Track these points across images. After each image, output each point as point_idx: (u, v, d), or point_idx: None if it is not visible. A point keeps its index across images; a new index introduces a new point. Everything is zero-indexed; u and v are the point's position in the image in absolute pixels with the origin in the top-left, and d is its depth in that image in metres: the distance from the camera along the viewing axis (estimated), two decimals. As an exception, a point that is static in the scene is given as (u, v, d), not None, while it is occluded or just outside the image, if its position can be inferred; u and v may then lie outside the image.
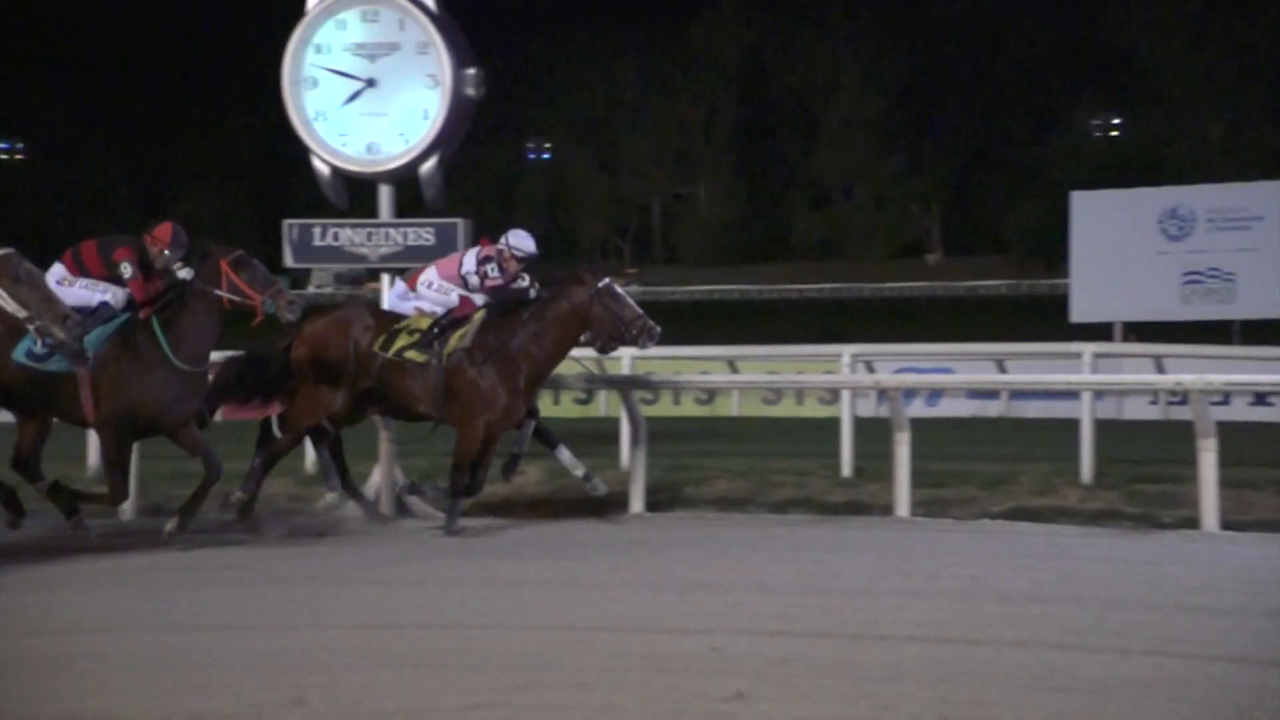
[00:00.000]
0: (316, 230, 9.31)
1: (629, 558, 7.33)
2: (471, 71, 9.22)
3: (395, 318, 8.45)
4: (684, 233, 51.35)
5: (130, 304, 7.72)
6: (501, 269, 8.32)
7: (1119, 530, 8.33)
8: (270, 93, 9.46)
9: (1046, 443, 11.01)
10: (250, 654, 5.17)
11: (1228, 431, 8.52)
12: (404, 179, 9.30)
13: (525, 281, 8.39)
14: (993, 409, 16.10)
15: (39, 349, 7.33)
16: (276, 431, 8.39)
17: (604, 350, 8.60)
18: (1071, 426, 9.91)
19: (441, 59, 9.10)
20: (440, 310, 8.32)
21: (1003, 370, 13.79)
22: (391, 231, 9.24)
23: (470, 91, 9.22)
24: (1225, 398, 13.36)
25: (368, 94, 9.18)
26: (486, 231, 8.72)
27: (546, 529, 8.46)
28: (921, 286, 45.14)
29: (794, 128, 48.97)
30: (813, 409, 15.74)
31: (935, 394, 15.44)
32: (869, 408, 13.01)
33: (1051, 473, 9.41)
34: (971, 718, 4.38)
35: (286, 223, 9.38)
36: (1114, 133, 44.17)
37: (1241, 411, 14.30)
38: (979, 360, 14.65)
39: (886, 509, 8.83)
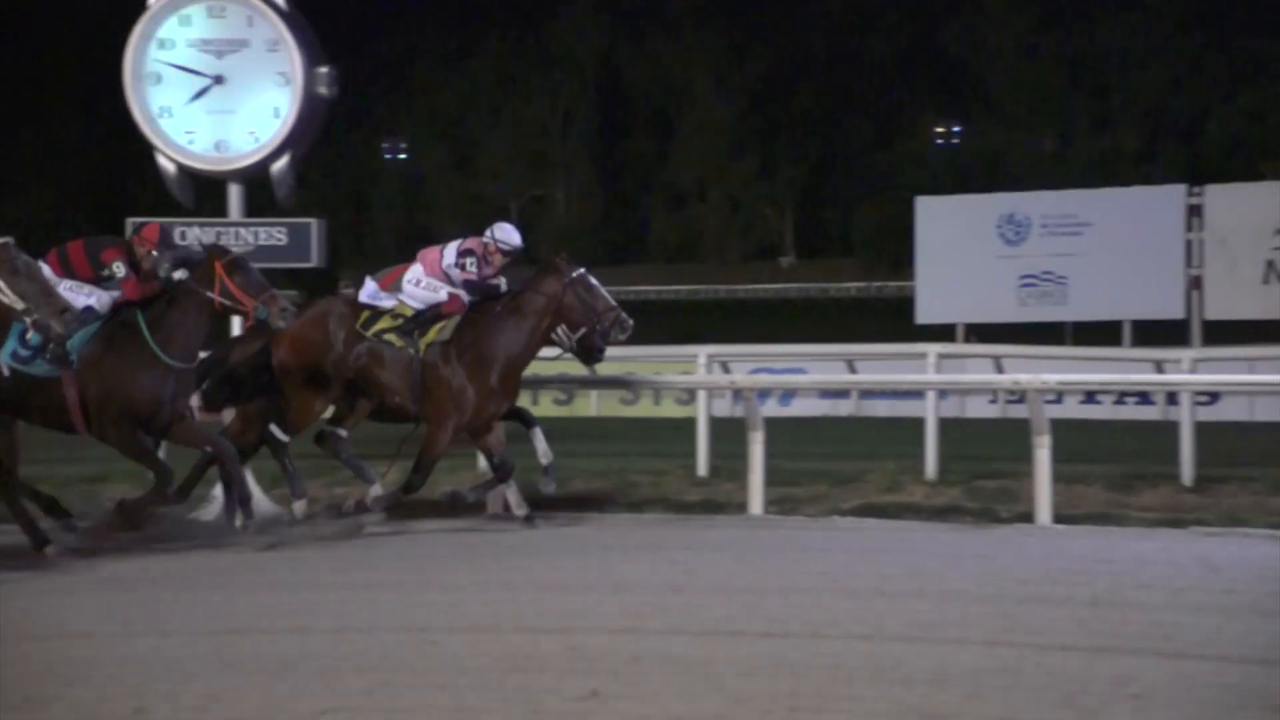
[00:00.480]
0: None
1: (485, 559, 7.29)
2: (324, 70, 9.07)
3: (373, 307, 8.31)
4: (542, 234, 51.31)
5: (116, 307, 7.41)
6: (486, 262, 8.23)
7: (960, 525, 8.59)
8: (108, 88, 9.16)
9: (894, 441, 11.28)
10: (86, 663, 5.00)
11: (1061, 429, 8.85)
12: (255, 178, 9.10)
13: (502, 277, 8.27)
14: (844, 408, 16.44)
15: (24, 350, 7.07)
16: (281, 436, 8.14)
17: (587, 359, 8.33)
18: (918, 425, 10.18)
19: (292, 57, 8.93)
20: (425, 305, 8.22)
21: (853, 370, 14.09)
22: (242, 231, 9.03)
23: (322, 90, 9.07)
24: (1059, 396, 13.89)
25: (216, 91, 8.96)
26: (339, 233, 8.58)
27: (402, 532, 8.35)
28: (775, 289, 45.89)
29: (650, 130, 49.30)
30: (670, 409, 15.86)
31: (788, 394, 15.68)
32: (725, 408, 13.15)
33: (898, 470, 9.64)
34: (819, 709, 4.46)
35: (131, 222, 9.09)
36: (955, 140, 45.54)
37: (1074, 409, 14.88)
38: (830, 360, 14.93)
39: (741, 507, 8.94)
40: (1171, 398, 12.90)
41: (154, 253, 7.51)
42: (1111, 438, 12.23)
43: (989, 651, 5.11)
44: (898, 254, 35.67)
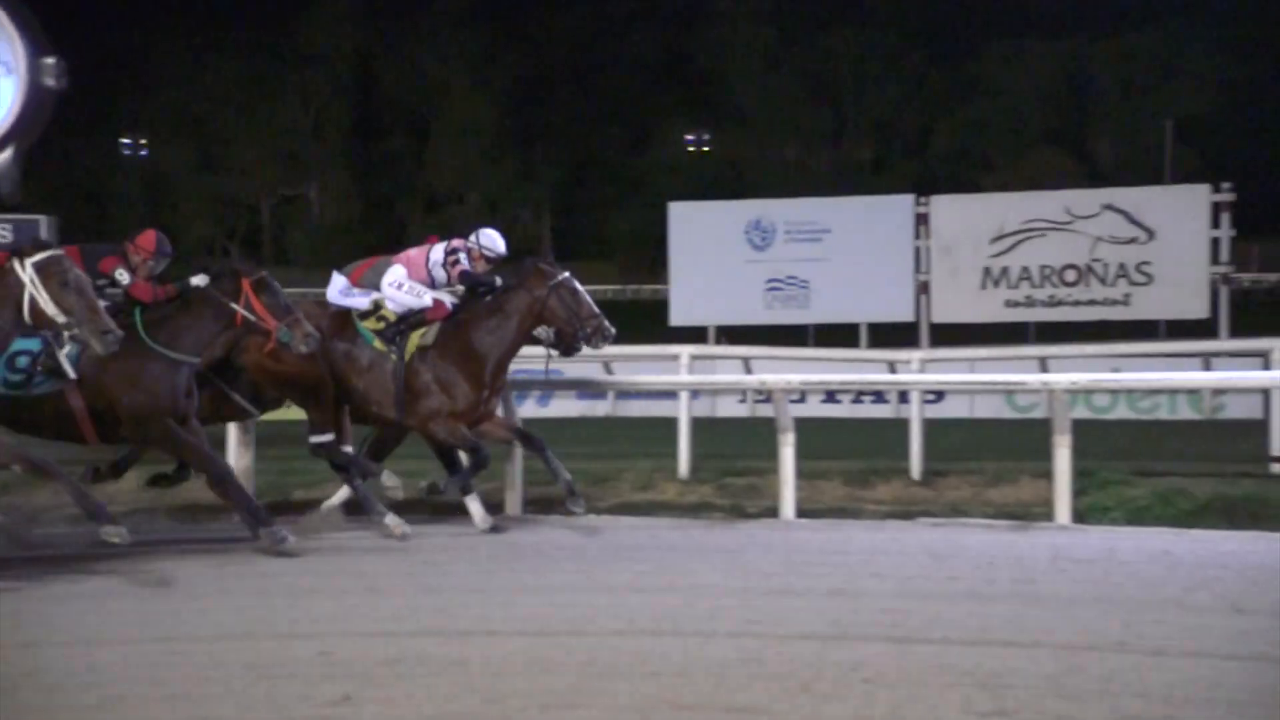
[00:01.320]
0: (-124, 227, 8.45)
1: (235, 563, 7.08)
2: (50, 60, 8.59)
3: (347, 311, 8.07)
4: (295, 234, 49.90)
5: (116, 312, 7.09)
6: (470, 264, 8.15)
7: (711, 521, 8.86)
8: None
9: (649, 440, 11.53)
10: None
11: (804, 427, 9.24)
12: (-25, 172, 8.55)
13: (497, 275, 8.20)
14: (600, 408, 16.66)
15: (14, 375, 6.91)
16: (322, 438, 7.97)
17: (567, 352, 8.27)
18: (671, 425, 10.44)
19: (15, 46, 8.41)
20: (406, 310, 8.02)
21: (609, 371, 14.30)
22: (-35, 228, 8.49)
23: (50, 81, 8.55)
24: (802, 395, 14.48)
25: (-70, 81, 8.37)
26: (75, 231, 8.20)
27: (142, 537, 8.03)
28: (535, 291, 45.73)
29: (406, 131, 48.64)
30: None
31: (546, 394, 15.79)
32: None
33: (653, 469, 9.88)
34: (572, 705, 4.55)
35: None
36: (705, 148, 46.73)
37: (816, 408, 15.54)
38: (588, 361, 15.08)
39: (499, 507, 8.96)
40: (903, 396, 13.55)
41: (149, 261, 7.44)
42: (850, 435, 12.82)
43: (735, 643, 5.30)
44: (652, 257, 36.34)
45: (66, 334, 6.47)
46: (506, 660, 5.07)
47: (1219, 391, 15.71)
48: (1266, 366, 10.80)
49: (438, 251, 8.22)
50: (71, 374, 6.95)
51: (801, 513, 8.82)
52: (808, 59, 44.18)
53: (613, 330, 8.14)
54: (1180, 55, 41.26)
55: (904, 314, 18.17)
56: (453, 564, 7.09)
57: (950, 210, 18.34)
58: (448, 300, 8.21)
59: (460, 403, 8.03)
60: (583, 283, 8.36)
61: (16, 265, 6.36)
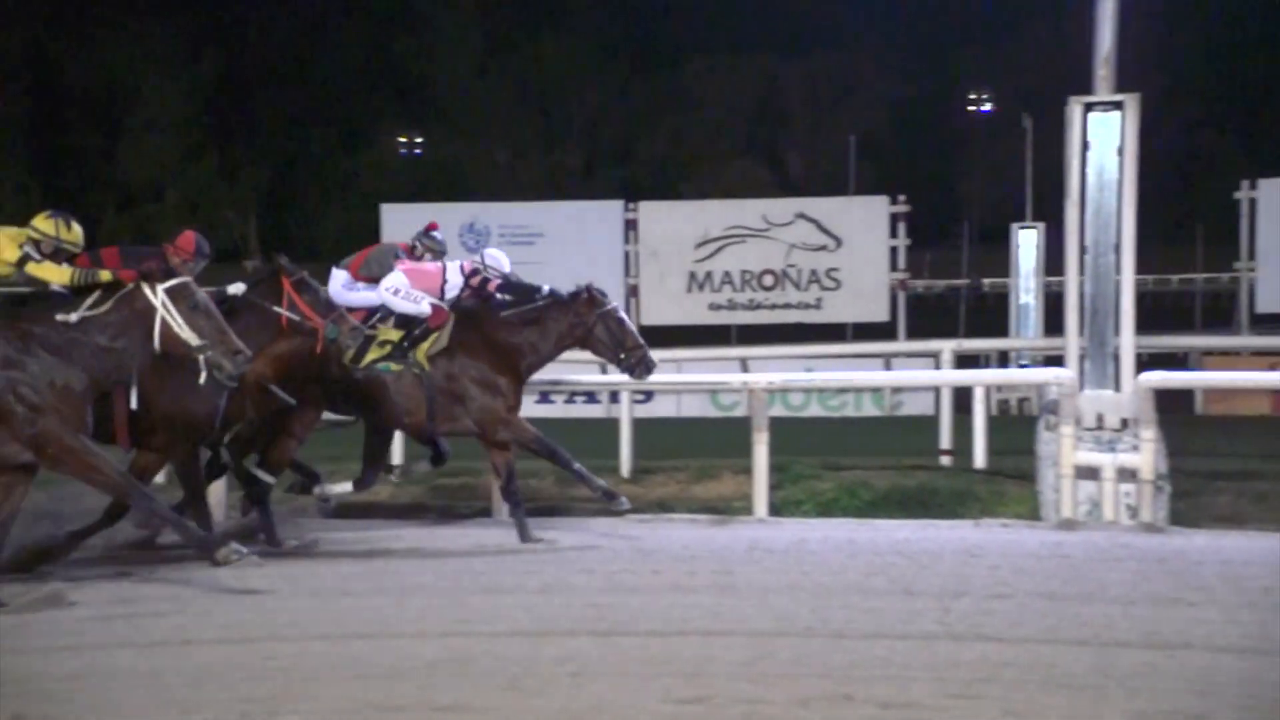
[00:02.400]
0: None
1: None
2: None
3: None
4: (-24, 230, 46.10)
5: None
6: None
7: (424, 522, 8.76)
8: None
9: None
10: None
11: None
12: None
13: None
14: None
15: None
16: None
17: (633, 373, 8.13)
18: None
19: None
20: (403, 314, 7.86)
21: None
22: None
23: None
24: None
25: None
26: None
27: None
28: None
29: (93, 126, 45.77)
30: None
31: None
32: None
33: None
34: (273, 712, 4.40)
35: None
36: (418, 150, 46.17)
37: (531, 408, 15.53)
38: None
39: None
40: (614, 396, 13.78)
41: (189, 263, 7.20)
42: (564, 434, 12.90)
43: (443, 642, 5.27)
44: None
45: (201, 356, 6.29)
46: (203, 670, 4.86)
47: (897, 390, 16.78)
48: (937, 366, 11.60)
49: (455, 274, 8.22)
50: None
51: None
52: (515, 65, 44.33)
53: (655, 363, 8.19)
54: (860, 76, 43.87)
55: (613, 316, 18.48)
56: (150, 573, 6.73)
57: (657, 216, 18.76)
58: (445, 306, 8.08)
59: (511, 397, 7.95)
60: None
61: (146, 290, 6.30)
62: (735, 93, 44.24)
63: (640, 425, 10.60)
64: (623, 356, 8.08)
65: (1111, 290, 8.43)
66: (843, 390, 16.89)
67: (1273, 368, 15.22)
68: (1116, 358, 8.46)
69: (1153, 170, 9.92)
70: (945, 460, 10.21)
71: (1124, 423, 8.37)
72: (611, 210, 18.93)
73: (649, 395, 15.20)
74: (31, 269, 6.43)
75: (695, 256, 18.36)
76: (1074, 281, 8.48)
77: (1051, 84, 12.64)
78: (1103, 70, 8.48)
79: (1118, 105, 8.38)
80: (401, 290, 8.06)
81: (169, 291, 6.30)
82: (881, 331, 18.10)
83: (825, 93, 44.65)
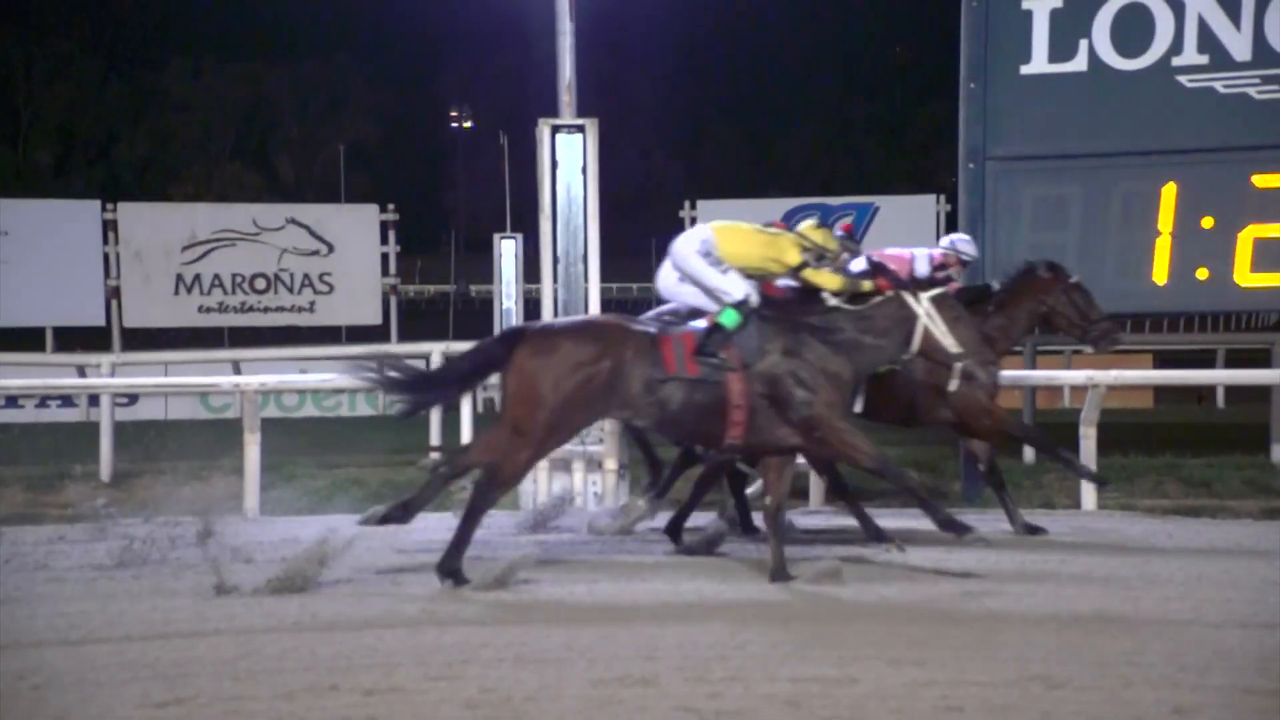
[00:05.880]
0: None
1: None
2: None
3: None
4: None
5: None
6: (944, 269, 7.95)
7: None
8: None
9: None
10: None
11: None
12: None
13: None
14: None
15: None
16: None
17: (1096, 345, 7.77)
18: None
19: None
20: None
21: None
22: None
23: None
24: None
25: None
26: None
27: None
28: None
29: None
30: None
31: None
32: None
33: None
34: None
35: None
36: None
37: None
38: None
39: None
40: (94, 400, 12.82)
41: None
42: (35, 440, 11.82)
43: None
44: None
45: (957, 364, 6.56)
46: None
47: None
48: (428, 367, 11.72)
49: (923, 265, 7.98)
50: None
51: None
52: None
53: (1120, 340, 7.90)
54: (347, 88, 43.62)
55: (95, 318, 17.16)
56: None
57: (139, 218, 17.66)
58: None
59: (992, 387, 7.47)
60: None
61: (909, 298, 6.55)
62: (222, 96, 42.32)
63: (125, 428, 9.95)
64: (1087, 329, 7.71)
65: (581, 297, 8.92)
66: (338, 391, 16.67)
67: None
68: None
69: (615, 188, 10.61)
70: (435, 456, 10.32)
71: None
72: (88, 210, 17.53)
73: (134, 398, 14.24)
74: (808, 274, 6.61)
75: (183, 259, 17.43)
76: (549, 288, 8.89)
77: (526, 105, 13.20)
78: (566, 96, 8.97)
79: (580, 128, 8.84)
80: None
81: (934, 300, 6.58)
82: (375, 334, 18.06)
83: (314, 102, 43.91)
